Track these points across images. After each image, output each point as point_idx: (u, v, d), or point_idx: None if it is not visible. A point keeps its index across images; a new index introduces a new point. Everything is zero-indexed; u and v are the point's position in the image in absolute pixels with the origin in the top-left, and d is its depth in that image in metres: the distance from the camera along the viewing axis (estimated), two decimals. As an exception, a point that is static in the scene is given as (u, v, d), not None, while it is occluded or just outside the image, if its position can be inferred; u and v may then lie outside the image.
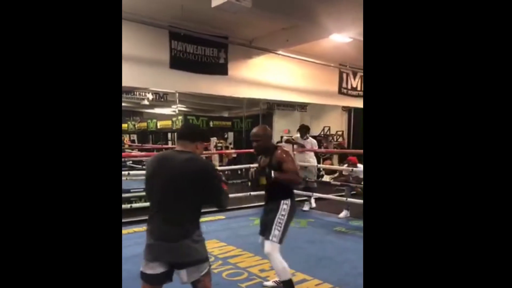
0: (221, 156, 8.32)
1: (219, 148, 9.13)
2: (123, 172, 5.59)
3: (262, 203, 6.17)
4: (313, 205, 6.00)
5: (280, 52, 6.48)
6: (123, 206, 4.59)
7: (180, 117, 8.92)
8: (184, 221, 1.79)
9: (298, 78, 7.53)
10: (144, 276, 1.82)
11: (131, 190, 5.01)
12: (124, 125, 10.36)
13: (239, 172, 8.66)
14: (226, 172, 7.30)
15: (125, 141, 9.30)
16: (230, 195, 6.68)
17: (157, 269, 1.78)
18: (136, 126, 10.67)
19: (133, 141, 10.59)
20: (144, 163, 7.32)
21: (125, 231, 4.50)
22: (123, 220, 4.76)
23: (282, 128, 10.47)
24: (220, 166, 7.18)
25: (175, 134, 1.74)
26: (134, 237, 4.24)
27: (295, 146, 6.06)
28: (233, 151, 9.28)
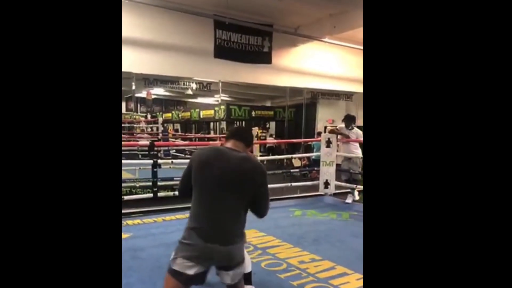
0: (261, 146, 8.31)
1: (262, 138, 9.10)
2: (167, 160, 5.75)
3: (303, 194, 6.16)
4: (357, 197, 5.81)
5: (326, 39, 6.29)
6: (167, 193, 4.71)
7: (222, 107, 8.99)
8: (236, 224, 1.73)
9: (345, 66, 7.30)
10: (177, 275, 1.65)
11: (174, 178, 5.12)
12: (168, 115, 10.62)
13: (278, 162, 8.61)
14: (264, 162, 7.27)
15: (169, 130, 9.55)
16: (271, 185, 6.65)
17: (196, 269, 1.66)
18: (179, 115, 10.92)
19: (176, 131, 10.85)
20: (187, 152, 7.45)
21: (167, 217, 4.62)
22: (167, 207, 4.91)
23: (326, 117, 10.24)
24: (260, 155, 7.17)
25: (229, 131, 1.72)
26: (176, 224, 4.34)
27: (339, 136, 5.89)
28: (274, 141, 9.23)
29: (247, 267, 2.55)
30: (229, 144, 1.80)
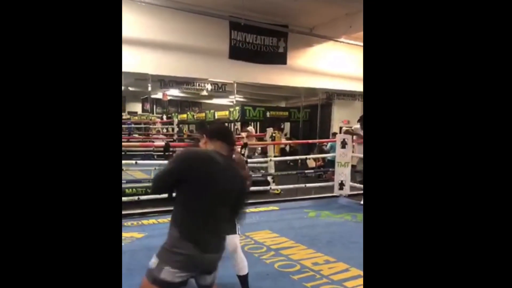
0: (275, 146, 8.27)
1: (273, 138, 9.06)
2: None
3: (318, 195, 6.11)
4: (372, 200, 5.74)
5: (342, 39, 6.23)
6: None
7: (237, 108, 9.00)
8: (226, 234, 1.87)
9: (361, 66, 7.19)
10: (163, 284, 1.61)
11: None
12: (183, 116, 10.67)
13: (290, 163, 8.56)
14: (276, 163, 7.21)
15: (184, 131, 9.61)
16: (286, 186, 6.56)
17: (183, 278, 1.65)
18: (194, 116, 10.98)
19: (191, 131, 10.92)
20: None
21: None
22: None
23: (341, 118, 10.14)
24: (274, 156, 7.14)
25: (212, 130, 1.66)
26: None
27: (354, 137, 5.83)
28: (288, 141, 9.19)
29: (244, 269, 2.52)
30: (217, 146, 1.78)
